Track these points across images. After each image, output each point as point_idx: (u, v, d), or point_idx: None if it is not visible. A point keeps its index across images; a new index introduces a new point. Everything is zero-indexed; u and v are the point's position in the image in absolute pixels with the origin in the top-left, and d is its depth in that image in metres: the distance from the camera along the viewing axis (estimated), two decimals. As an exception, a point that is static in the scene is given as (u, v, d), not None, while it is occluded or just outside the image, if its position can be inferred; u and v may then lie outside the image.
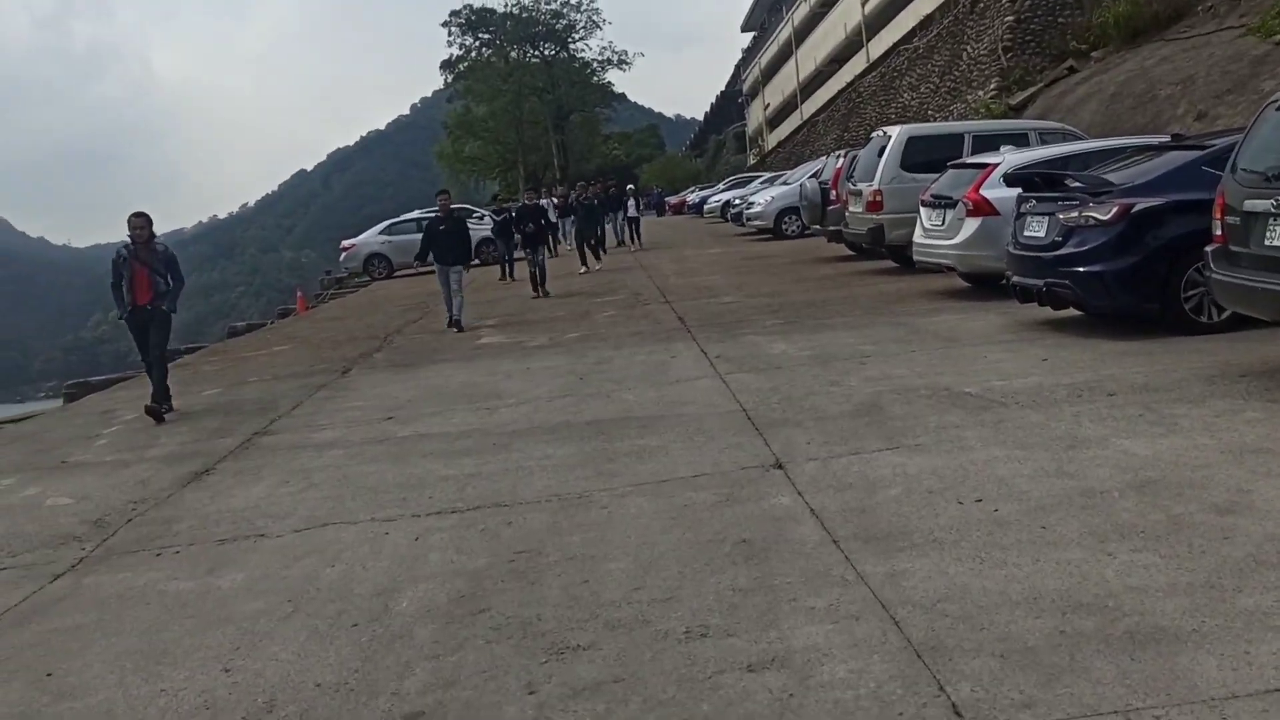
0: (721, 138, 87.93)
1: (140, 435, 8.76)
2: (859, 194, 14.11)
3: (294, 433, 8.11)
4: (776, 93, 68.05)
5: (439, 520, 5.35)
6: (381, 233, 27.20)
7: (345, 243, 27.98)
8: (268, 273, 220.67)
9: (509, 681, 3.41)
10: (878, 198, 13.45)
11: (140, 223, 9.16)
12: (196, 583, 4.82)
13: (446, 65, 73.14)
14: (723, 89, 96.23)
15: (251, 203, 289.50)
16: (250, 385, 10.99)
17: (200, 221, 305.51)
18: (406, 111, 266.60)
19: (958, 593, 3.69)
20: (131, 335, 9.44)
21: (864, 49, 47.35)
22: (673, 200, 53.35)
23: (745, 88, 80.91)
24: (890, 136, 13.94)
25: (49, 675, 3.90)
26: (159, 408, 9.08)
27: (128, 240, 9.22)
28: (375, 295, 22.48)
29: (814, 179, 18.78)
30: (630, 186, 26.73)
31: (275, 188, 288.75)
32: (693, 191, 52.13)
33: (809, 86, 58.82)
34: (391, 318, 16.19)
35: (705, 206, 37.78)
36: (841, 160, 16.85)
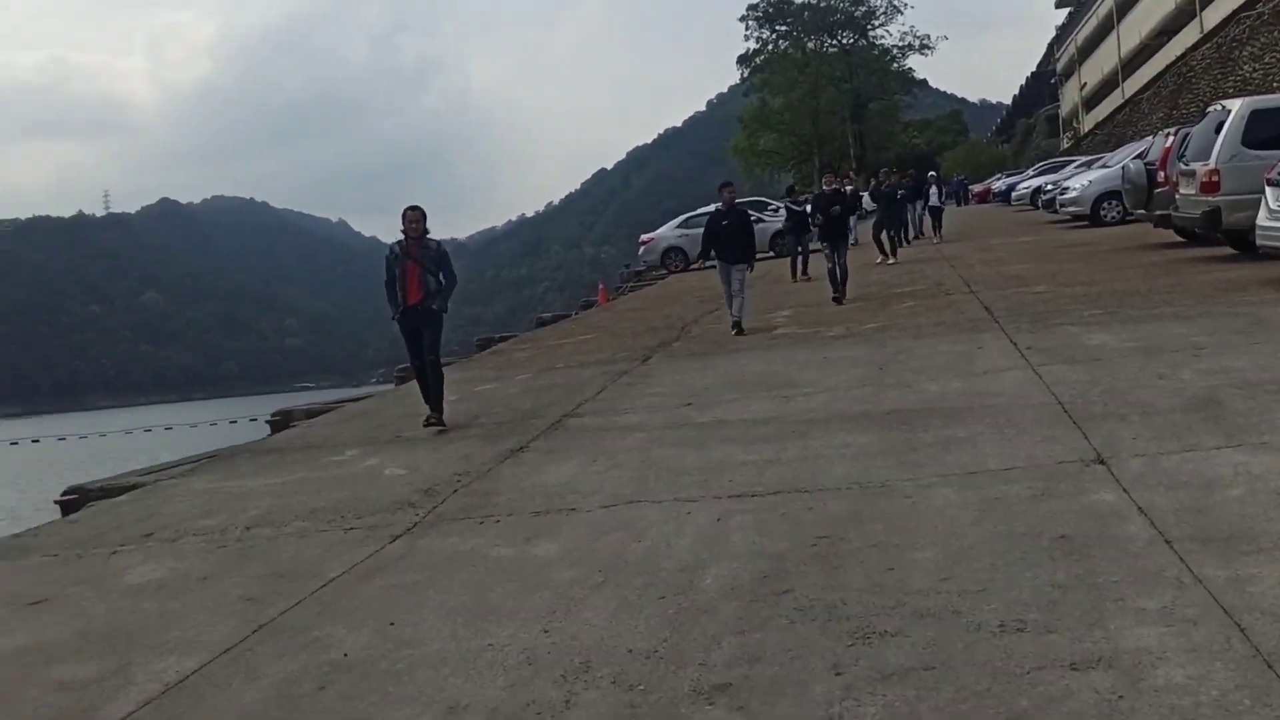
0: (1031, 121, 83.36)
1: (467, 411, 9.43)
2: (1192, 174, 12.92)
3: (599, 416, 8.46)
4: (1094, 71, 63.65)
5: (739, 503, 5.41)
6: (678, 227, 27.80)
7: (644, 237, 28.84)
8: (571, 268, 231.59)
9: (814, 661, 3.40)
10: (1214, 178, 12.26)
11: (415, 216, 8.69)
12: (515, 550, 5.13)
13: (743, 59, 73.65)
14: (1033, 70, 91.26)
15: (556, 201, 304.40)
16: (558, 371, 11.58)
17: (510, 220, 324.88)
18: (702, 108, 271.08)
19: (1317, 603, 3.32)
20: (403, 336, 8.97)
21: (1197, 18, 43.34)
22: (976, 188, 51.17)
23: (1059, 67, 76.27)
24: (1230, 111, 12.66)
25: (391, 625, 4.28)
26: (438, 418, 8.65)
27: (400, 238, 8.82)
28: (672, 288, 23.03)
29: (1138, 160, 17.40)
30: (932, 174, 25.48)
31: (578, 186, 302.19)
32: (998, 179, 49.75)
33: (1131, 63, 54.59)
34: (688, 309, 16.52)
35: (1014, 194, 35.93)
36: (1171, 139, 15.51)
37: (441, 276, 8.79)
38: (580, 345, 13.89)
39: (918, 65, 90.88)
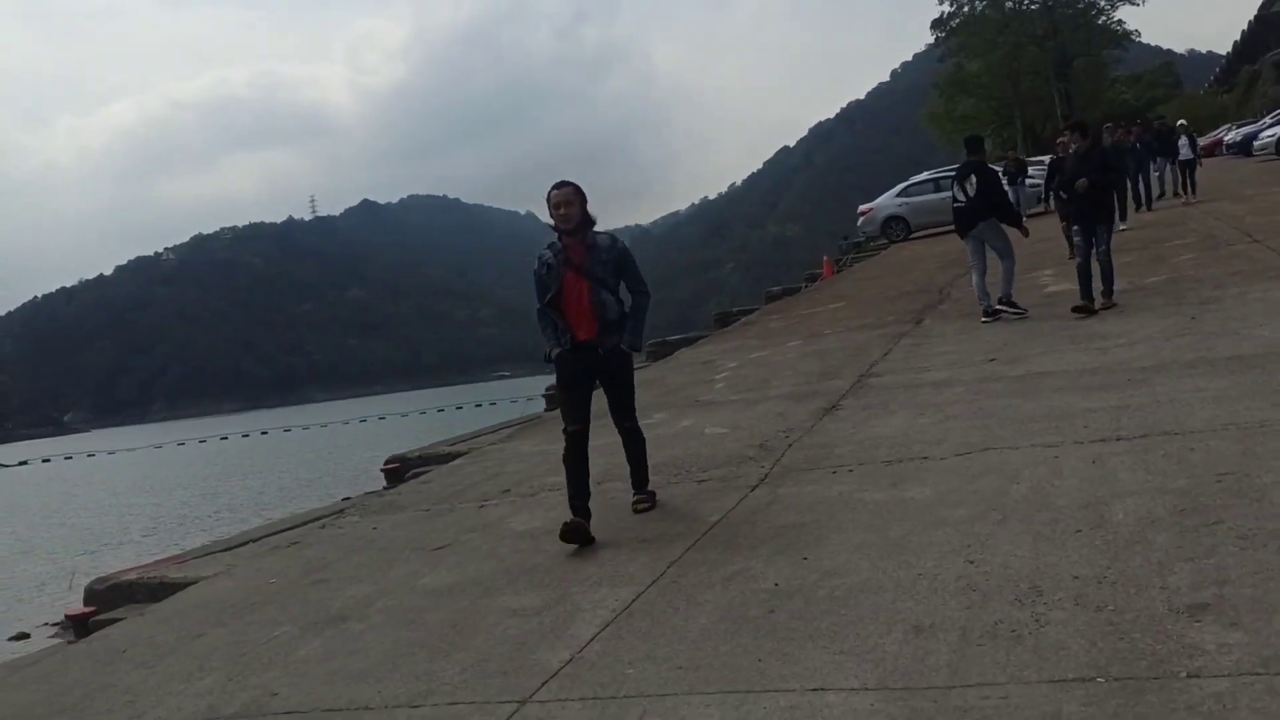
0: (1256, 68, 77.44)
1: (752, 378, 9.66)
2: None
3: (899, 374, 8.51)
4: (1330, 7, 58.64)
5: (1107, 446, 5.37)
6: (898, 195, 27.36)
7: (862, 207, 28.50)
8: (755, 248, 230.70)
9: (1293, 583, 3.39)
10: None
11: (564, 197, 5.45)
12: (887, 494, 5.26)
13: (937, 23, 71.32)
14: (1256, 13, 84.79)
15: (739, 182, 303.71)
16: (828, 337, 11.66)
17: (693, 203, 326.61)
18: (886, 78, 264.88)
19: None
20: (561, 388, 5.76)
21: None
22: (1203, 141, 48.08)
23: (1286, 6, 70.61)
24: None
25: (805, 559, 4.48)
26: (643, 499, 5.83)
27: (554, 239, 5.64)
28: (901, 256, 22.69)
29: None
30: (1181, 122, 23.37)
31: (760, 166, 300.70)
32: (1228, 130, 46.56)
33: (1376, -6, 50.01)
34: (933, 274, 16.27)
35: (1256, 143, 33.59)
36: None
37: (626, 292, 5.68)
38: (835, 314, 13.93)
39: (1128, 17, 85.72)
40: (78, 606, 6.74)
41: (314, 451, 60.42)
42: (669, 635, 3.91)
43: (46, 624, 10.37)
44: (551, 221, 5.57)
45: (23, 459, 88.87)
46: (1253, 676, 2.85)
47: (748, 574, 4.42)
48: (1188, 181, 20.88)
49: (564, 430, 5.65)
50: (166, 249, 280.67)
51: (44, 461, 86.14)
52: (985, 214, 10.26)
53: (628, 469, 5.96)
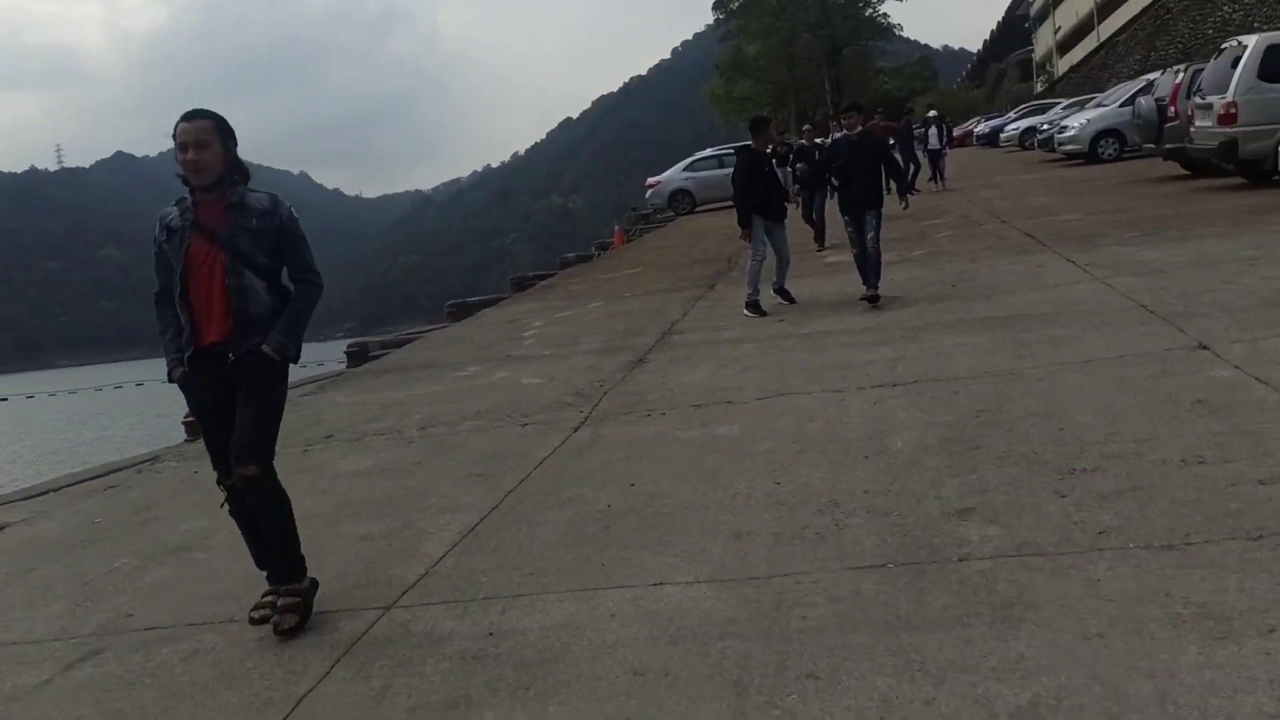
0: (1002, 66, 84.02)
1: (560, 335, 10.10)
2: (1208, 108, 13.71)
3: (700, 332, 9.16)
4: (1069, 15, 64.36)
5: (885, 391, 6.14)
6: (685, 170, 28.40)
7: (650, 180, 29.38)
8: (540, 218, 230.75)
9: (1037, 490, 4.13)
10: (1231, 110, 13.04)
11: (196, 133, 3.74)
12: (699, 432, 5.83)
13: (719, 5, 73.54)
14: (1003, 16, 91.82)
15: (522, 151, 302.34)
16: (629, 299, 12.24)
17: (475, 171, 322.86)
18: (668, 56, 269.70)
19: None
20: (199, 421, 4.09)
21: (1173, -40, 44.05)
22: (955, 132, 51.91)
23: (1032, 11, 76.85)
24: (1246, 46, 13.43)
25: (632, 485, 4.97)
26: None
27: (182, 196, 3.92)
28: (689, 227, 23.62)
29: (1148, 96, 18.16)
30: (933, 112, 24.83)
31: (544, 136, 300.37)
32: (978, 122, 50.52)
33: (1108, 6, 55.31)
34: (722, 244, 17.13)
35: (1002, 135, 36.72)
36: (1180, 75, 16.26)
37: (284, 277, 3.97)
38: (634, 278, 14.55)
39: (892, 11, 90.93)
40: None
41: (74, 419, 56.62)
42: (516, 550, 4.31)
43: None
44: (179, 170, 3.81)
45: None
46: (1006, 558, 3.54)
47: (581, 500, 4.86)
48: (936, 173, 21.89)
49: (217, 482, 3.98)
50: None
51: None
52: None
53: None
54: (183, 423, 9.49)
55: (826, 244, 13.94)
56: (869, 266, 9.16)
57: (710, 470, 5.04)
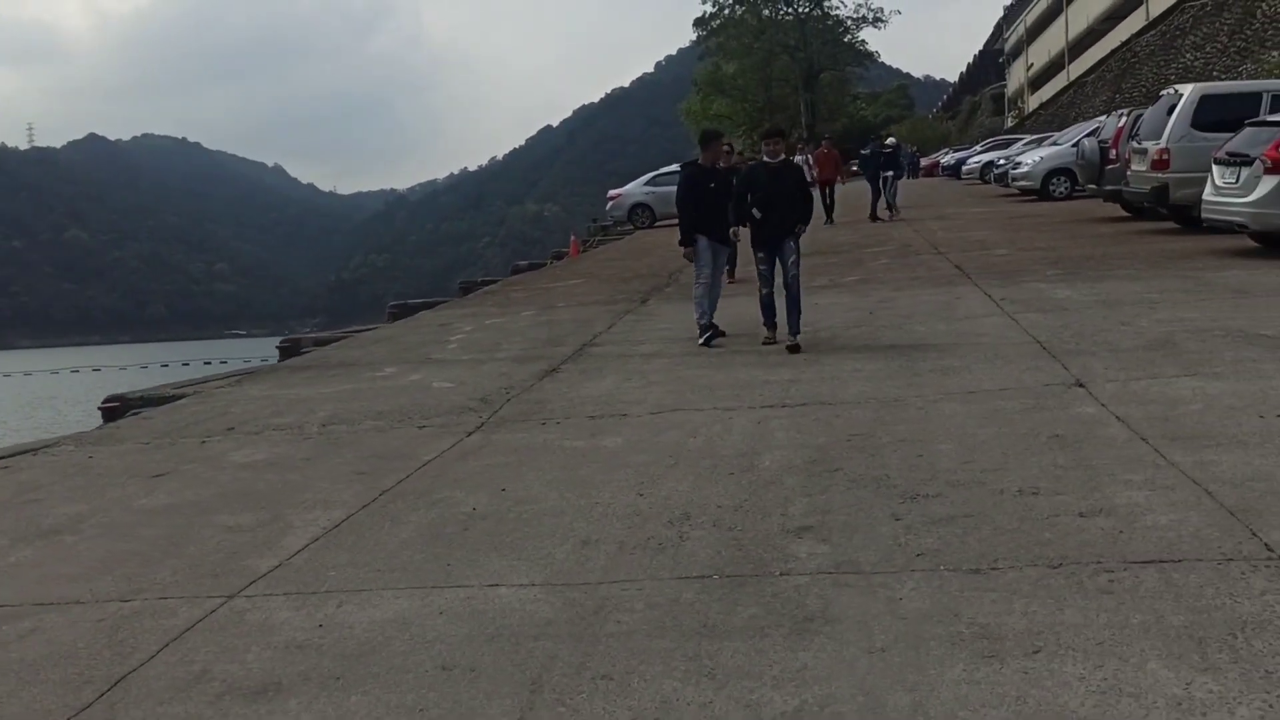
0: (976, 99, 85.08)
1: (484, 341, 10.19)
2: (1144, 152, 14.04)
3: (617, 345, 9.29)
4: (1041, 52, 65.37)
5: (773, 411, 6.29)
6: (646, 184, 28.56)
7: (611, 193, 29.53)
8: (512, 224, 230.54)
9: (876, 512, 4.29)
10: (1164, 156, 13.38)
11: None
12: (585, 443, 5.95)
13: (699, 22, 74.04)
14: (980, 48, 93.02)
15: (500, 156, 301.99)
16: (561, 309, 12.36)
17: (452, 173, 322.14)
18: (651, 70, 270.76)
19: (1264, 475, 4.29)
20: None
21: (1144, 5, 44.98)
22: (924, 162, 52.53)
23: (1007, 47, 77.97)
24: (1182, 95, 13.79)
25: (503, 490, 5.08)
26: None
27: None
28: (644, 241, 23.79)
29: (1092, 138, 18.55)
30: (891, 140, 24.77)
31: (522, 142, 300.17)
32: (946, 153, 51.14)
33: (1078, 46, 56.27)
34: (668, 260, 17.26)
35: (964, 168, 37.22)
36: (1124, 119, 16.64)
37: None
38: (572, 289, 14.67)
39: (870, 38, 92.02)
40: None
41: (20, 400, 56.01)
42: (371, 547, 4.40)
43: None
44: None
45: None
46: (825, 574, 3.68)
47: (450, 501, 4.97)
48: (888, 200, 21.86)
49: None
50: None
51: None
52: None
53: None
54: (99, 409, 9.52)
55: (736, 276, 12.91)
56: (791, 303, 8.38)
57: (582, 479, 5.16)
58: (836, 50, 72.22)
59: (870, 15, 70.81)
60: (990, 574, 3.56)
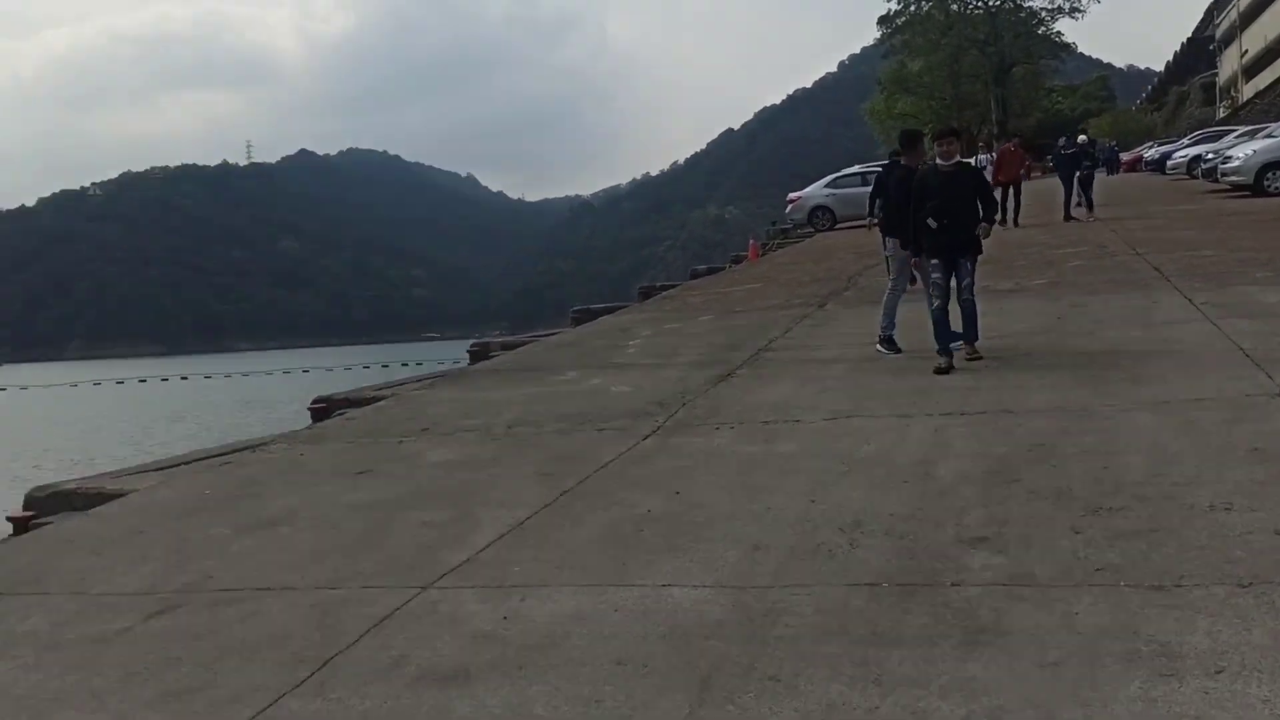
0: (1184, 89, 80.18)
1: (662, 346, 10.40)
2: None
3: (794, 350, 9.31)
4: (1257, 38, 61.13)
5: (951, 419, 6.20)
6: (826, 186, 28.32)
7: (791, 195, 29.42)
8: (693, 228, 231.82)
9: (1055, 525, 4.21)
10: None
11: None
12: (759, 448, 6.03)
13: (884, 20, 72.65)
14: (1189, 35, 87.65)
15: (681, 161, 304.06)
16: (739, 314, 12.46)
17: (634, 179, 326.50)
18: (834, 69, 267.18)
19: None
20: None
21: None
22: (1125, 157, 49.91)
23: (1218, 33, 73.24)
24: None
25: (677, 493, 5.23)
26: None
27: None
28: (823, 244, 23.61)
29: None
30: (1082, 138, 23.23)
31: (704, 146, 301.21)
32: (1150, 147, 48.43)
33: (1298, 29, 52.36)
34: (848, 263, 17.15)
35: (1169, 162, 35.19)
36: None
37: None
38: (750, 293, 14.74)
39: (1066, 29, 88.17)
40: (18, 510, 7.24)
41: (238, 399, 60.21)
42: (552, 545, 4.62)
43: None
44: None
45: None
46: (998, 586, 3.65)
47: (627, 503, 5.15)
48: (1085, 198, 20.89)
49: None
50: (94, 184, 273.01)
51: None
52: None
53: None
54: (308, 409, 10.22)
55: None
56: (966, 319, 7.96)
57: (755, 485, 5.25)
58: (1030, 43, 69.40)
59: (1067, 5, 67.78)
60: (1174, 591, 3.45)
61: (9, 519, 7.16)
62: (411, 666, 3.50)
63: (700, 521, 4.74)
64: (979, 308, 8.08)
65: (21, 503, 7.37)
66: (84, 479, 7.63)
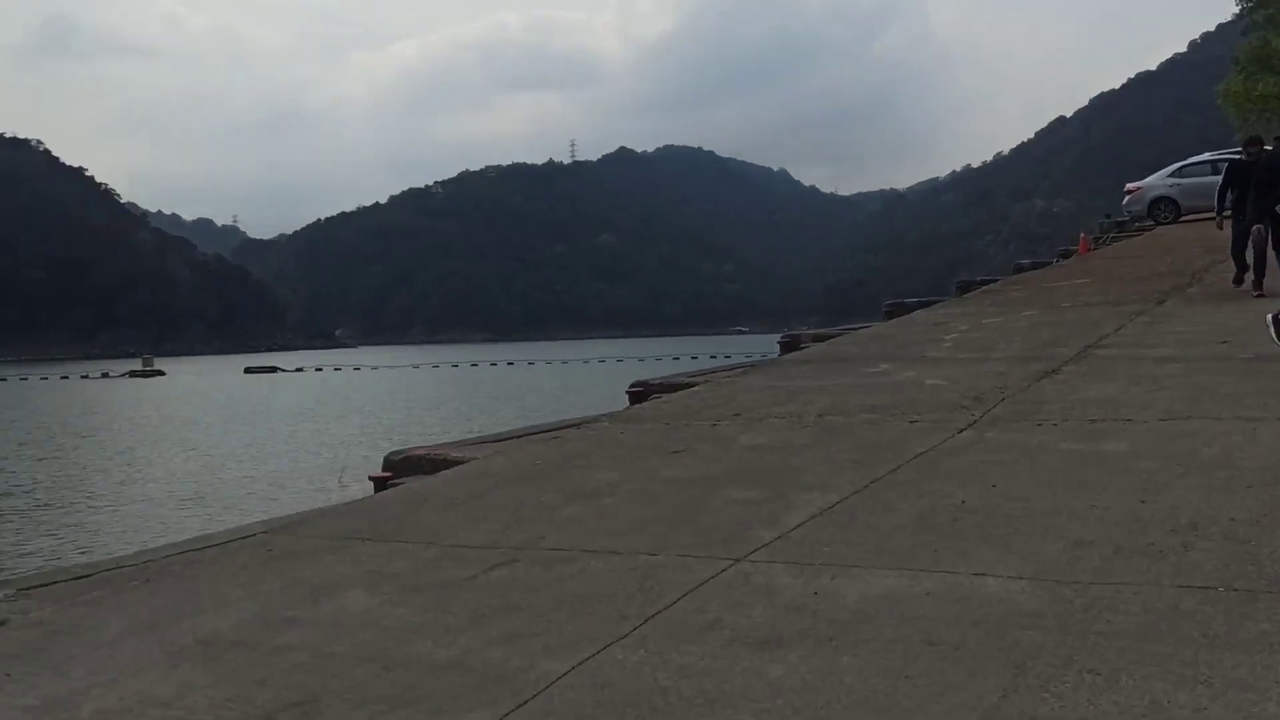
0: None
1: (980, 340, 10.11)
2: None
3: (1126, 348, 8.78)
4: None
5: (1309, 424, 5.67)
6: (1170, 175, 26.21)
7: (1130, 185, 27.45)
8: (1017, 221, 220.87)
9: None
10: None
11: None
12: (1085, 446, 5.78)
13: (1244, -7, 65.96)
14: None
15: (1006, 151, 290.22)
16: (1065, 310, 11.86)
17: (954, 170, 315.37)
18: (1183, 49, 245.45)
19: None
20: None
21: None
22: None
23: None
24: None
25: (994, 486, 5.13)
26: None
27: None
28: (1164, 238, 21.90)
29: None
30: None
31: (1031, 135, 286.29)
32: None
33: None
34: (1192, 258, 15.86)
35: None
36: None
37: None
38: (1078, 288, 13.98)
39: None
40: (378, 471, 8.17)
41: (559, 383, 63.94)
42: (863, 529, 4.68)
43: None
44: None
45: (299, 366, 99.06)
46: (1357, 600, 3.35)
47: (940, 493, 5.11)
48: None
49: None
50: (436, 183, 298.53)
51: (317, 370, 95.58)
52: None
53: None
54: (626, 392, 10.76)
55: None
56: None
57: (1079, 482, 5.05)
58: None
59: None
60: None
61: (370, 478, 8.07)
62: (726, 630, 3.68)
63: (1018, 515, 4.63)
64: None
65: (381, 465, 8.29)
66: (431, 447, 8.45)
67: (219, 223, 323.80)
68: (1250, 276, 10.92)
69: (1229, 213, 11.17)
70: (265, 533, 5.72)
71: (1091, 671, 3.06)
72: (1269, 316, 8.00)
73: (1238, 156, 12.07)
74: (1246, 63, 65.13)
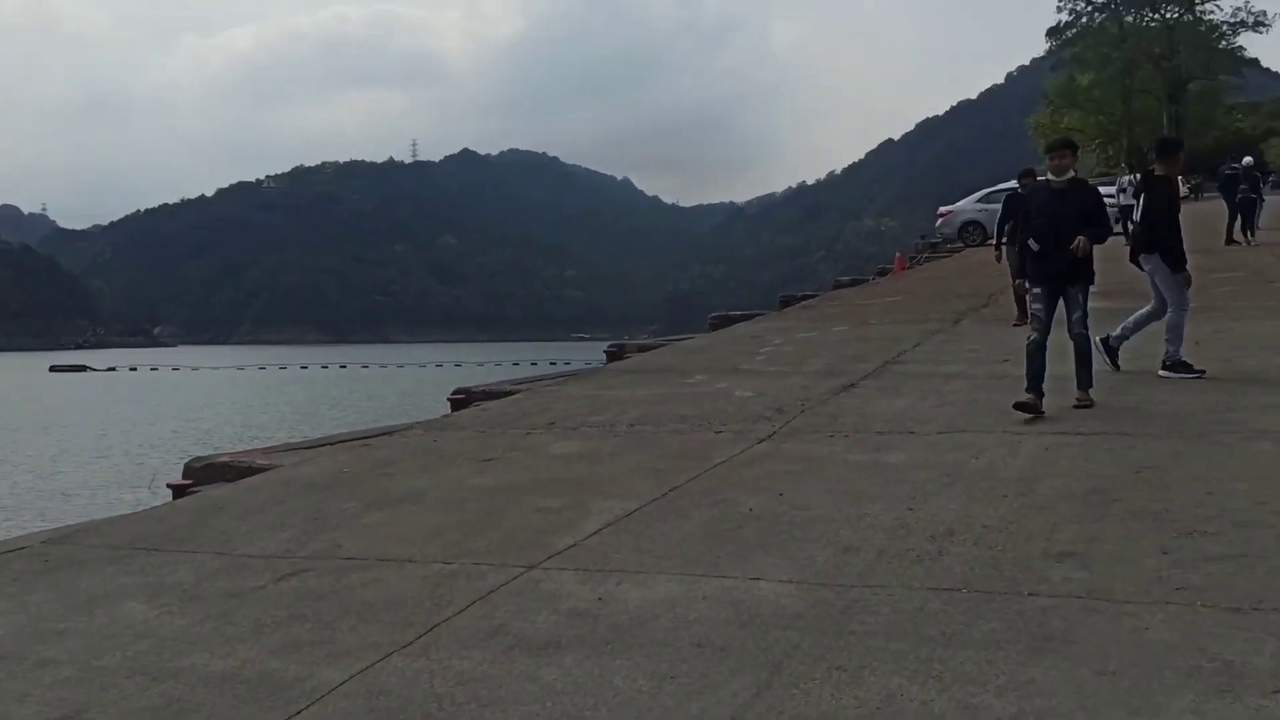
0: (1382, 107, 74.97)
1: (791, 354, 10.56)
2: None
3: (920, 364, 9.35)
4: None
5: (1065, 438, 6.21)
6: (978, 200, 27.81)
7: (942, 209, 29.00)
8: (848, 239, 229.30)
9: (1145, 545, 4.24)
10: None
11: None
12: (868, 457, 6.17)
13: (1053, 32, 70.55)
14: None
15: (839, 170, 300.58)
16: (872, 326, 12.50)
17: (790, 186, 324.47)
18: (1000, 80, 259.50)
19: None
20: None
21: None
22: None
23: None
24: None
25: (781, 494, 5.42)
26: None
27: None
28: (970, 260, 23.20)
29: None
30: (1247, 160, 22.16)
31: (862, 156, 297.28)
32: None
33: None
34: (991, 280, 16.81)
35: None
36: None
37: None
38: (888, 306, 14.73)
39: (1249, 43, 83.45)
40: (178, 479, 7.96)
41: (390, 388, 62.73)
42: (654, 536, 4.89)
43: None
44: None
45: (111, 365, 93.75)
46: (1074, 599, 3.74)
47: (731, 502, 5.37)
48: (1247, 223, 20.10)
49: None
50: (268, 176, 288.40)
51: (131, 370, 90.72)
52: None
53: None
54: (447, 399, 10.77)
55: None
56: (1078, 358, 7.19)
57: (857, 491, 5.40)
58: (1210, 58, 66.19)
59: (1250, 19, 64.34)
60: (1250, 614, 3.48)
61: (168, 486, 7.86)
62: (509, 636, 3.81)
63: (798, 522, 4.93)
64: (1094, 343, 7.53)
65: (181, 472, 8.08)
66: (237, 454, 8.29)
67: (25, 210, 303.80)
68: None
69: (1005, 240, 11.97)
70: (44, 543, 5.53)
71: (839, 669, 3.33)
72: (1096, 339, 7.87)
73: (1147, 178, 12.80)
74: (1054, 97, 69.77)
